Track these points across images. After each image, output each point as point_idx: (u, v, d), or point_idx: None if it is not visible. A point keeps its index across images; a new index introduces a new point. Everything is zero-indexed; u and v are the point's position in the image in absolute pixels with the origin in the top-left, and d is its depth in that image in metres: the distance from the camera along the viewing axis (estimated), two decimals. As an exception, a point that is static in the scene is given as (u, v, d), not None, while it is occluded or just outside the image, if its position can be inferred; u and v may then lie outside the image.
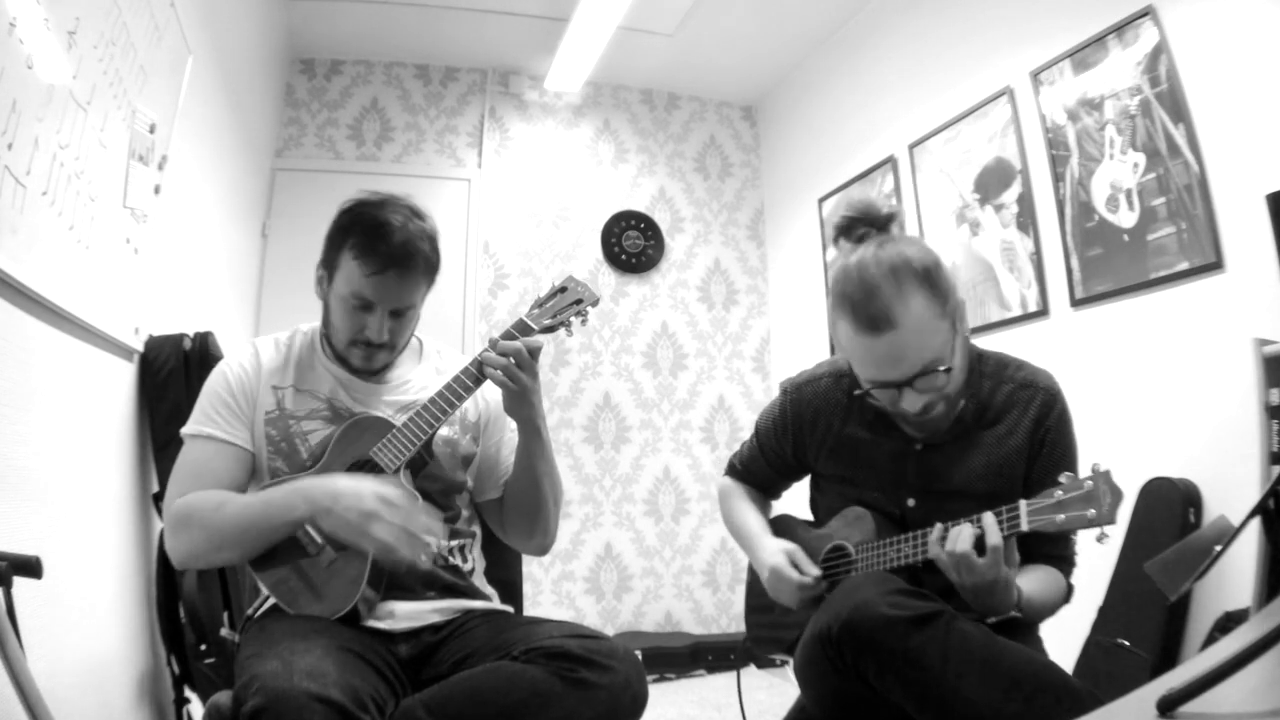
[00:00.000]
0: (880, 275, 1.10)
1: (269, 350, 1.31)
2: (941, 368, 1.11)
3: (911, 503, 1.26)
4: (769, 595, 1.34)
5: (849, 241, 1.21)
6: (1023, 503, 1.05)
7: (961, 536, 1.07)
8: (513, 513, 1.35)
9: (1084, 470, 1.04)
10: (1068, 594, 1.23)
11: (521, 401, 1.23)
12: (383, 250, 1.19)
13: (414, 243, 1.22)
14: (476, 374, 1.22)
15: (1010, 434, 1.22)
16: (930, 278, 1.11)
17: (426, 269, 1.25)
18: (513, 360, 1.19)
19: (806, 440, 1.37)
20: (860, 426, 1.30)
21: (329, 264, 1.25)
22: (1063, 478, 1.03)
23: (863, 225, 1.21)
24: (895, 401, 1.16)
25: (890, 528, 1.24)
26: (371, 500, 1.09)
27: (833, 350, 2.36)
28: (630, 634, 3.51)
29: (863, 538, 1.26)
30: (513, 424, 1.39)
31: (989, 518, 1.06)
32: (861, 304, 1.10)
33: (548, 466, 1.31)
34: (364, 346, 1.25)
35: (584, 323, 1.32)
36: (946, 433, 1.24)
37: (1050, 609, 1.19)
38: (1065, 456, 1.21)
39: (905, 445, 1.26)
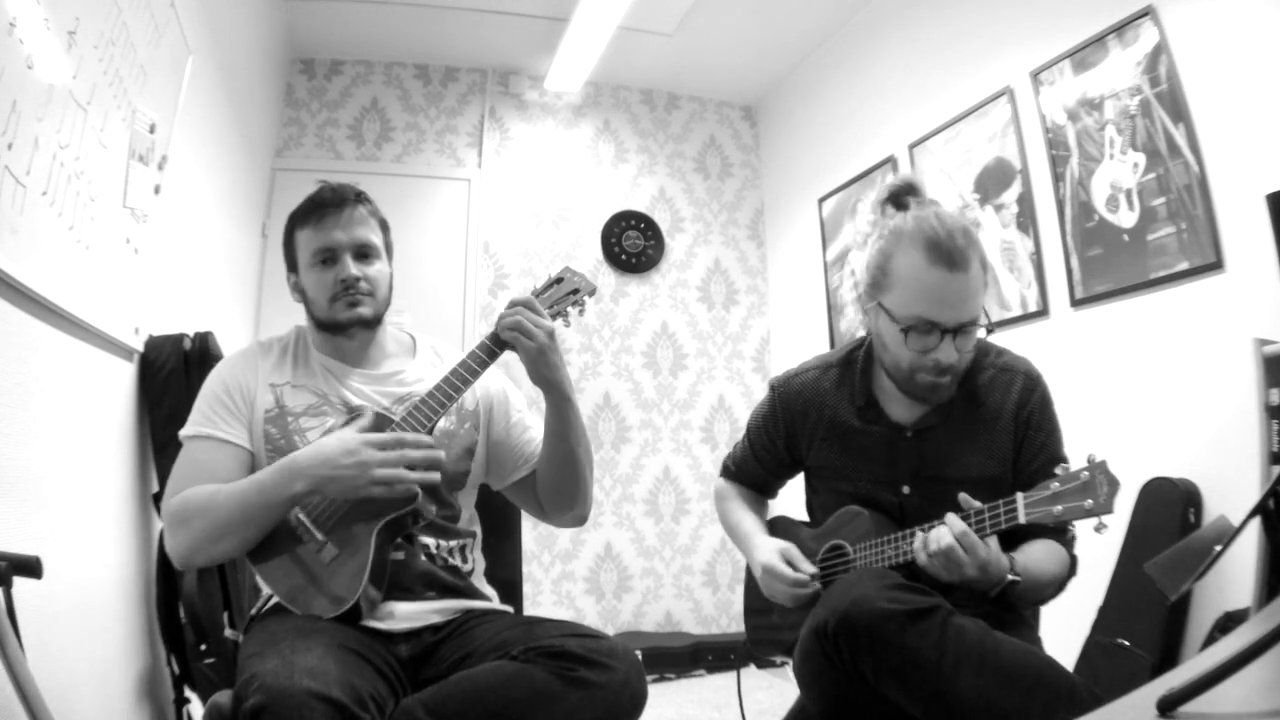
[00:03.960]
0: (957, 227, 1.17)
1: (266, 348, 1.31)
2: (985, 324, 1.20)
3: (907, 490, 1.27)
4: (764, 595, 1.34)
5: (895, 208, 1.28)
6: (1019, 495, 1.06)
7: (941, 536, 1.08)
8: (550, 486, 1.34)
9: (1078, 459, 1.05)
10: (1072, 566, 1.22)
11: (543, 360, 1.22)
12: (317, 203, 1.29)
13: (341, 188, 1.30)
14: (492, 346, 1.22)
15: (996, 417, 1.25)
16: (981, 251, 1.20)
17: (370, 211, 1.32)
18: (521, 317, 1.20)
19: (798, 431, 1.39)
20: (850, 415, 1.33)
21: (291, 260, 1.34)
22: (1058, 469, 1.05)
23: (914, 196, 1.28)
24: (928, 349, 1.18)
25: (888, 521, 1.26)
26: (361, 449, 1.09)
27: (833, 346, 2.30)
28: (630, 634, 3.51)
29: (860, 536, 1.26)
30: (519, 406, 1.40)
31: (951, 516, 1.09)
32: (946, 242, 1.15)
33: (580, 434, 1.30)
34: (344, 294, 1.27)
35: (581, 313, 1.32)
36: (934, 415, 1.26)
37: (1053, 579, 1.18)
38: (1050, 437, 1.25)
39: (895, 432, 1.29)
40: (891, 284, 1.21)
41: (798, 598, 1.27)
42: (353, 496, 1.11)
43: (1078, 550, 1.24)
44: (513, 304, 1.23)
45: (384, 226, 1.34)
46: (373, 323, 1.31)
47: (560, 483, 1.32)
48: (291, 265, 1.33)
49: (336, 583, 1.12)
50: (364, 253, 1.29)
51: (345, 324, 1.28)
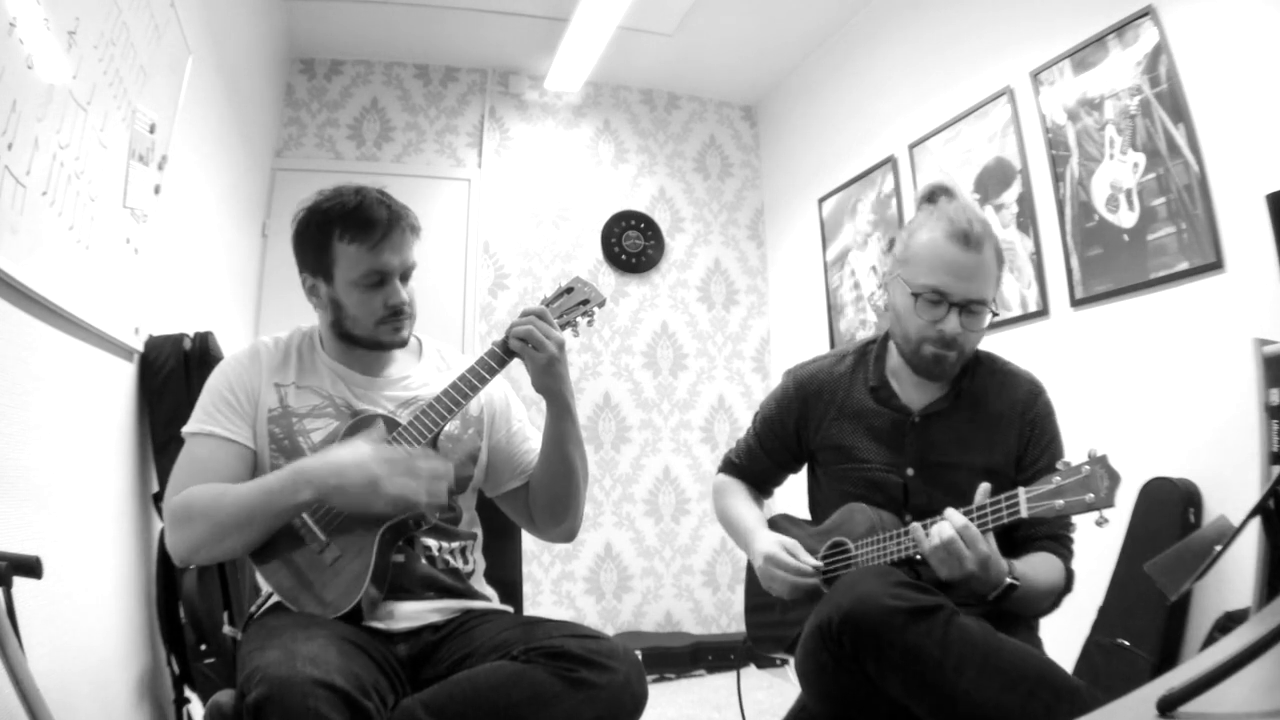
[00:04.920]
0: (977, 217, 1.28)
1: (270, 348, 1.30)
2: (992, 309, 1.26)
3: (911, 472, 1.31)
4: (762, 586, 1.36)
5: (931, 204, 1.36)
6: (1021, 490, 1.07)
7: (944, 527, 1.10)
8: (542, 498, 1.33)
9: (1079, 457, 1.05)
10: (1068, 580, 1.24)
11: (549, 372, 1.22)
12: (373, 219, 1.21)
13: (392, 204, 1.25)
14: (501, 354, 1.22)
15: (1000, 414, 1.30)
16: (997, 244, 1.29)
17: (414, 229, 1.28)
18: (532, 327, 1.20)
19: (809, 414, 1.42)
20: (863, 395, 1.38)
21: (320, 267, 1.25)
22: (1059, 464, 1.06)
23: (948, 196, 1.36)
24: (939, 319, 1.24)
25: (890, 517, 1.27)
26: (374, 464, 1.09)
27: (833, 346, 2.31)
28: (630, 634, 3.51)
29: (861, 532, 1.26)
30: (520, 415, 1.40)
31: (951, 511, 1.11)
32: (965, 225, 1.25)
33: (579, 447, 1.30)
34: (392, 319, 1.26)
35: (590, 323, 1.31)
36: (941, 402, 1.31)
37: (1049, 590, 1.20)
38: (1054, 442, 1.30)
39: (903, 416, 1.33)
40: (911, 257, 1.29)
41: (797, 587, 1.28)
42: (359, 511, 1.11)
43: (1074, 564, 1.25)
44: (525, 314, 1.23)
45: (417, 233, 1.30)
46: (408, 340, 1.32)
47: (554, 494, 1.31)
48: (318, 271, 1.25)
49: (338, 584, 1.13)
50: (407, 274, 1.28)
51: (388, 345, 1.29)
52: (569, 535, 1.36)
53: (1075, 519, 1.21)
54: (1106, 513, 1.01)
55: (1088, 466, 1.02)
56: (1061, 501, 1.03)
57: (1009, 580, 1.11)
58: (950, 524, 1.09)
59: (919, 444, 1.31)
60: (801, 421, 1.43)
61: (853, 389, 1.39)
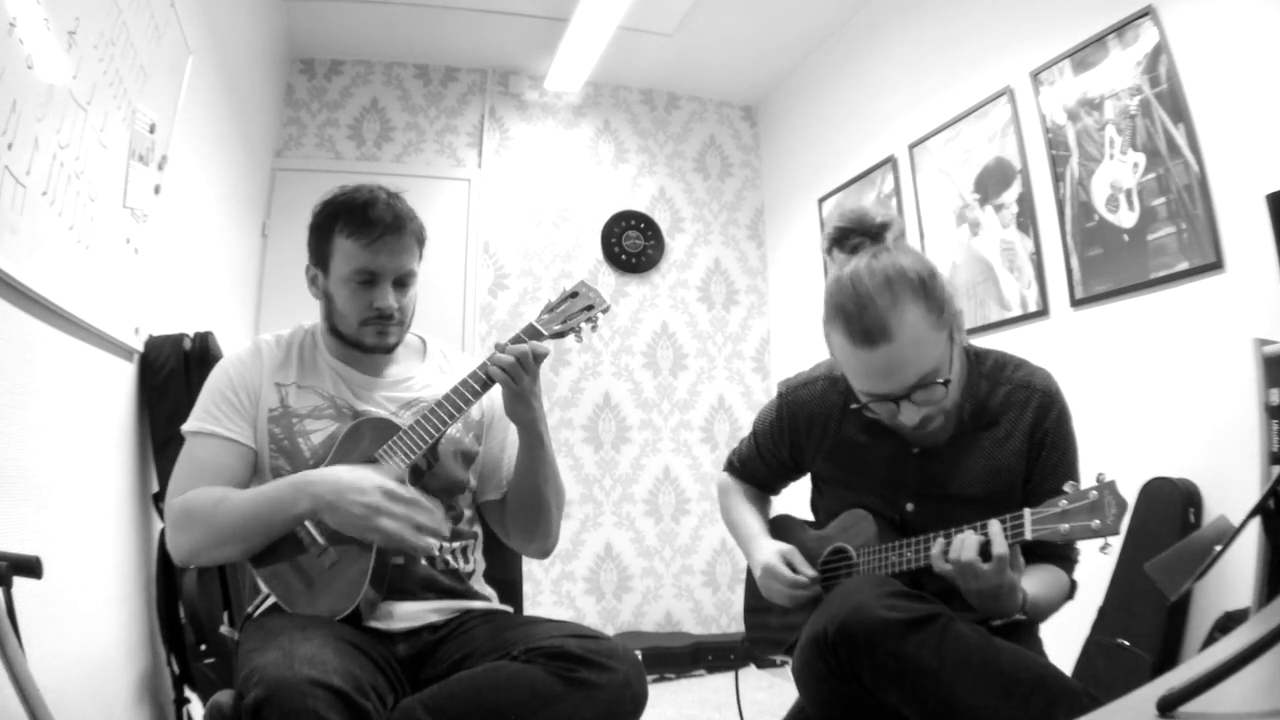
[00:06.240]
0: (875, 286, 1.07)
1: (272, 347, 1.30)
2: (940, 380, 1.09)
3: (910, 507, 1.24)
4: (763, 594, 1.34)
5: (842, 252, 1.21)
6: (1027, 512, 1.05)
7: (966, 545, 1.06)
8: (514, 515, 1.34)
9: (1086, 476, 1.04)
10: (1071, 591, 1.22)
11: (519, 402, 1.23)
12: (373, 218, 1.22)
13: (399, 208, 1.25)
14: (485, 378, 1.22)
15: (1008, 436, 1.20)
16: (926, 287, 1.09)
17: (417, 237, 1.28)
18: (517, 361, 1.20)
19: (803, 443, 1.37)
20: (857, 430, 1.29)
21: (321, 257, 1.27)
22: (1067, 487, 1.03)
23: (856, 235, 1.20)
24: (893, 415, 1.14)
25: (890, 532, 1.24)
26: (375, 493, 1.09)
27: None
28: (630, 634, 3.51)
29: (864, 540, 1.25)
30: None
31: (995, 525, 1.05)
32: (855, 316, 1.07)
33: (549, 471, 1.30)
34: (376, 321, 1.25)
35: (594, 329, 1.31)
36: (942, 431, 1.23)
37: (1055, 608, 1.19)
38: (1064, 458, 1.20)
39: (903, 449, 1.25)
40: (835, 358, 1.18)
41: (795, 598, 1.27)
42: (348, 533, 1.11)
43: (1078, 574, 1.24)
44: (516, 339, 1.23)
45: (422, 242, 1.30)
46: (395, 348, 1.31)
47: (524, 515, 1.32)
48: (319, 261, 1.27)
49: (337, 587, 1.12)
50: (403, 280, 1.27)
51: (369, 349, 1.28)
52: (541, 553, 1.37)
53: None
54: (1110, 539, 0.99)
55: (1095, 492, 1.00)
56: (1066, 526, 1.01)
57: (1019, 616, 1.10)
58: (974, 542, 1.05)
59: (919, 477, 1.23)
60: (795, 449, 1.39)
61: (846, 419, 1.30)
